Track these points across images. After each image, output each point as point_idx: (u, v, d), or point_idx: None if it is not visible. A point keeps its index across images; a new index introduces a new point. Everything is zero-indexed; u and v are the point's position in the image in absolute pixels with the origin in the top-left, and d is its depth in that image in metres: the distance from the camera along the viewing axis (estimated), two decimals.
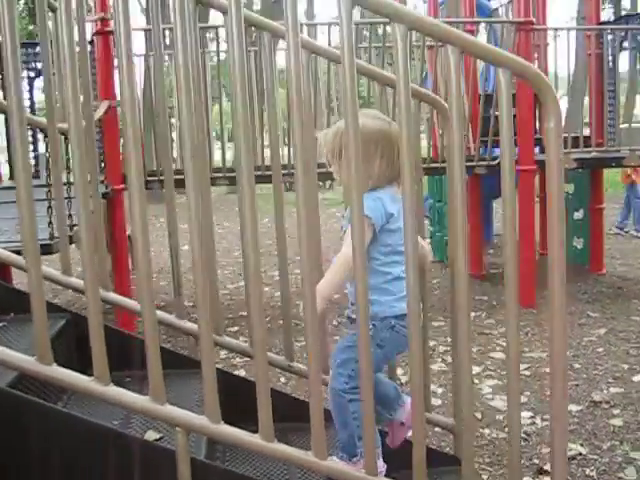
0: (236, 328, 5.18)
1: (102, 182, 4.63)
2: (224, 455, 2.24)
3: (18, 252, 2.52)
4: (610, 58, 6.56)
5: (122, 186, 4.94)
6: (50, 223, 3.30)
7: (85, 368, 1.76)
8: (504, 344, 4.79)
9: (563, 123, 5.05)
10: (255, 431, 1.81)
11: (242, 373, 4.10)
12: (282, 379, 4.02)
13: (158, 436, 2.05)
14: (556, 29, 6.96)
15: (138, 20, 21.09)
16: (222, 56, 6.00)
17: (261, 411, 1.78)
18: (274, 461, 2.16)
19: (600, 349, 4.74)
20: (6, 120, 3.11)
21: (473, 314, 5.41)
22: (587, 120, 7.04)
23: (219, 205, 12.83)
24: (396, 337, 2.20)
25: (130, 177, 1.63)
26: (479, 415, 3.67)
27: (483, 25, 9.07)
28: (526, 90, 5.34)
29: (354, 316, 1.99)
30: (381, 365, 2.36)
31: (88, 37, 4.93)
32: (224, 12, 2.07)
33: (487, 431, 3.49)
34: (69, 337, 2.37)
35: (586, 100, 6.95)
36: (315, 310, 1.80)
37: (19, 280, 5.19)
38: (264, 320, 1.79)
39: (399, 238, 2.02)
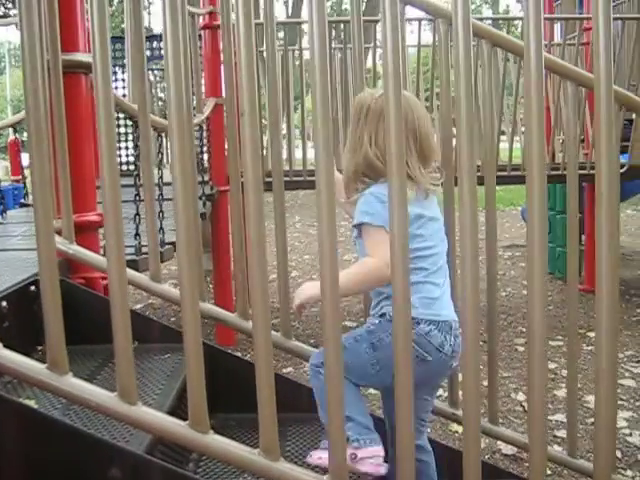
0: None
1: (207, 183, 4.42)
2: None
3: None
4: None
5: (227, 187, 4.73)
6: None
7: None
8: (634, 369, 4.39)
9: None
10: None
11: None
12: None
13: None
14: None
15: None
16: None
17: None
18: None
19: None
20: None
21: (592, 334, 4.96)
22: None
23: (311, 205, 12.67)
24: None
25: (247, 177, 1.36)
26: (618, 454, 3.26)
27: None
28: None
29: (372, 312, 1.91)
30: (367, 371, 1.87)
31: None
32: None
33: (630, 473, 3.09)
34: None
35: None
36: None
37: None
38: None
39: (425, 241, 1.82)
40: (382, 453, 1.86)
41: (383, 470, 1.84)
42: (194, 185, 2.03)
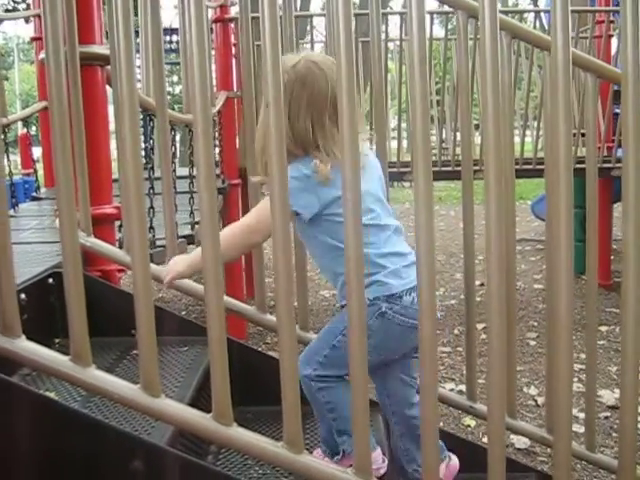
0: None
1: (218, 176, 4.42)
2: None
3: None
4: None
5: (238, 181, 4.73)
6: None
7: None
8: None
9: None
10: None
11: None
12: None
13: None
14: None
15: None
16: None
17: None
18: None
19: None
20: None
21: (605, 328, 4.94)
22: None
23: None
24: (390, 327, 1.68)
25: (273, 168, 1.34)
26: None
27: None
28: None
29: (344, 302, 1.53)
30: (372, 362, 1.67)
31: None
32: None
33: None
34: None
35: None
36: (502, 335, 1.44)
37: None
38: None
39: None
40: (379, 455, 1.83)
41: (382, 470, 1.82)
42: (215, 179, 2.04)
